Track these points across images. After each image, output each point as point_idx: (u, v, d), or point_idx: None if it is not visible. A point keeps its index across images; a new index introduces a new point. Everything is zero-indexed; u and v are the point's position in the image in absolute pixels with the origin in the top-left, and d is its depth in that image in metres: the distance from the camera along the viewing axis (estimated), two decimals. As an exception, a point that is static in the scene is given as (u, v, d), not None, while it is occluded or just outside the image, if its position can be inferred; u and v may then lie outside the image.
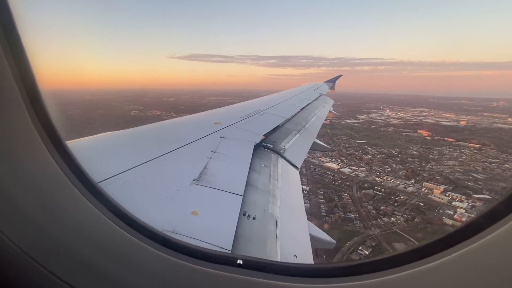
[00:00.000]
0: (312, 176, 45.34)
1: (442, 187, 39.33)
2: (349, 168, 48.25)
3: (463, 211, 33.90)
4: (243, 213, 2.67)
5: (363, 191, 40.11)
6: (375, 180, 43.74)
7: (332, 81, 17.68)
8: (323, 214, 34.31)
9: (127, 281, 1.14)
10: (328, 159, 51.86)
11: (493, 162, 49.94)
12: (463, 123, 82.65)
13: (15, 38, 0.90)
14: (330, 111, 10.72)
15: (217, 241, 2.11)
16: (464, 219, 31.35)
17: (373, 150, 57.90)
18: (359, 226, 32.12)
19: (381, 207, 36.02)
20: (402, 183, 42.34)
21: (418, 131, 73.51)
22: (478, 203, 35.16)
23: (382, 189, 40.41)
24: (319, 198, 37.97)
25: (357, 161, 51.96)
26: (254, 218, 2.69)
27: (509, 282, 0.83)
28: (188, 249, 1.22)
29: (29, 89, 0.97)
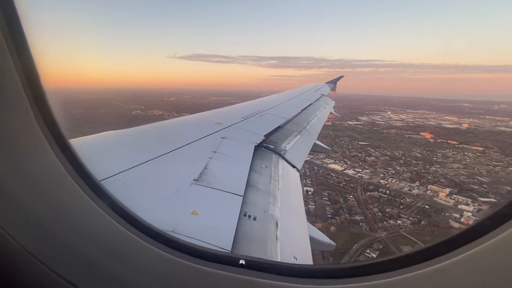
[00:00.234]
0: (316, 177, 45.10)
1: (447, 190, 39.11)
2: (353, 170, 48.04)
3: (470, 214, 33.68)
4: (243, 214, 2.66)
5: (368, 193, 39.88)
6: (379, 182, 43.54)
7: (333, 82, 17.61)
8: (328, 216, 34.07)
9: (130, 280, 1.13)
10: (332, 161, 51.71)
11: (497, 165, 49.82)
12: (465, 125, 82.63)
13: (20, 36, 0.91)
14: (331, 112, 10.65)
15: (217, 241, 2.11)
16: (471, 222, 31.12)
17: (376, 152, 57.74)
18: (365, 229, 31.88)
19: (387, 209, 35.82)
20: (407, 185, 42.16)
21: (421, 133, 73.43)
22: (484, 207, 34.93)
23: (387, 192, 40.23)
24: (324, 199, 37.72)
25: (360, 163, 51.79)
26: (254, 219, 2.67)
27: None
28: (191, 249, 1.21)
29: (33, 87, 0.97)
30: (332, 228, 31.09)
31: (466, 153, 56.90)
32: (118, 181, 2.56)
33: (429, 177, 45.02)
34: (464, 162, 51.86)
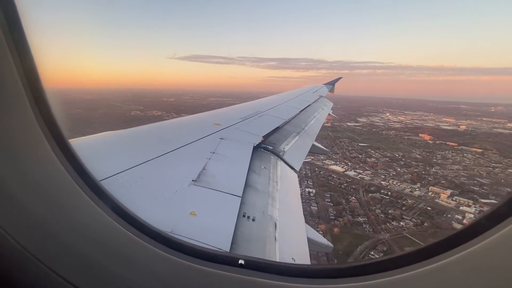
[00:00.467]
0: (318, 179, 45.08)
1: (448, 192, 39.31)
2: (354, 171, 48.12)
3: (472, 215, 33.82)
4: (242, 214, 2.66)
5: (370, 194, 39.94)
6: (381, 183, 43.64)
7: (331, 84, 17.66)
8: (331, 217, 34.04)
9: (130, 281, 1.13)
10: (333, 162, 51.79)
11: (497, 167, 50.24)
12: (463, 127, 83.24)
13: (20, 36, 0.91)
14: (329, 114, 10.72)
15: (215, 242, 2.10)
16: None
17: (377, 153, 57.94)
18: (368, 230, 31.89)
19: (389, 211, 35.87)
20: (408, 187, 42.30)
21: (420, 135, 73.81)
22: (485, 208, 35.10)
23: (389, 193, 40.33)
24: (326, 201, 37.71)
25: (361, 164, 51.91)
26: (253, 220, 2.67)
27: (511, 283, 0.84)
28: (190, 249, 1.21)
29: (33, 87, 0.97)
30: (336, 229, 31.05)
31: (465, 154, 57.29)
32: (116, 181, 2.55)
33: (429, 178, 45.22)
34: (464, 163, 52.21)
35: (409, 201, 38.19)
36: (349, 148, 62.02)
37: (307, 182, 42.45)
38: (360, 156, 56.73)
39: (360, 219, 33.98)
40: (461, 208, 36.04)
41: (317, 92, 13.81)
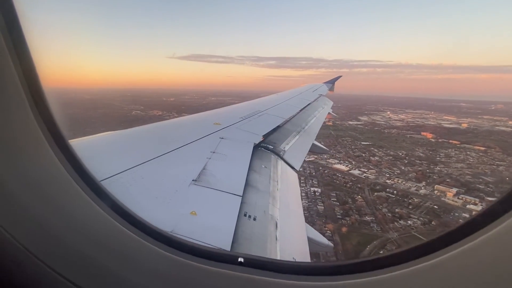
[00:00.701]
0: (322, 178, 44.85)
1: (454, 190, 39.17)
2: (359, 170, 47.95)
3: (479, 214, 33.70)
4: (243, 214, 2.67)
5: (375, 193, 39.74)
6: (386, 182, 43.47)
7: (331, 82, 17.58)
8: (338, 217, 33.83)
9: (130, 280, 1.15)
10: (336, 161, 51.60)
11: (501, 165, 50.13)
12: (464, 125, 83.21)
13: (19, 36, 0.92)
14: (329, 113, 10.65)
15: (216, 241, 2.11)
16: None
17: (380, 152, 57.76)
18: (376, 230, 31.70)
19: (396, 209, 35.70)
20: (414, 185, 42.14)
21: (422, 133, 73.67)
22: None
23: (395, 192, 40.15)
24: (332, 200, 37.49)
25: (365, 163, 51.72)
26: (254, 219, 2.68)
27: (507, 279, 0.86)
28: (190, 248, 1.22)
29: (32, 87, 0.98)
30: (344, 229, 30.85)
31: (468, 152, 57.18)
32: (117, 181, 2.56)
33: (434, 177, 45.09)
34: (468, 161, 52.10)
35: (415, 199, 37.99)
36: (352, 146, 61.80)
37: (312, 181, 42.21)
38: (363, 154, 56.51)
39: (367, 218, 33.77)
40: (467, 206, 35.91)
41: (317, 91, 13.77)
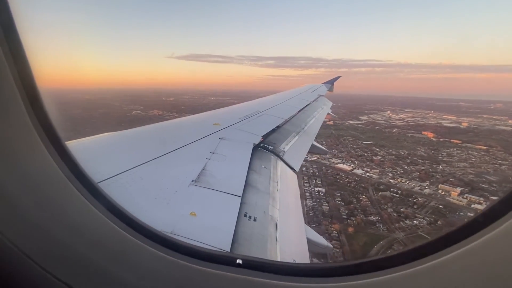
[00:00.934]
0: (326, 177, 44.64)
1: (458, 189, 39.09)
2: (362, 170, 47.81)
3: (484, 213, 33.64)
4: (243, 214, 2.65)
5: (380, 193, 39.58)
6: (389, 181, 43.32)
7: (330, 83, 17.58)
8: (344, 217, 33.62)
9: (126, 281, 1.14)
10: (339, 160, 51.48)
11: (503, 164, 50.16)
12: (465, 124, 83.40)
13: (15, 37, 0.91)
14: (328, 113, 10.62)
15: (215, 242, 2.10)
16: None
17: (382, 151, 57.69)
18: (382, 229, 31.51)
19: (401, 209, 35.54)
20: (418, 185, 42.02)
21: (423, 132, 73.75)
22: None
23: (399, 191, 39.98)
24: (336, 200, 37.28)
25: (368, 163, 51.59)
26: (255, 220, 2.66)
27: (506, 280, 0.85)
28: (188, 249, 1.22)
29: (28, 89, 0.97)
30: (350, 229, 30.66)
31: (470, 152, 57.25)
32: (116, 182, 2.55)
33: (437, 176, 45.01)
34: (470, 161, 52.12)
35: (420, 199, 37.86)
36: (354, 146, 61.72)
37: (315, 181, 42.01)
38: (365, 154, 56.40)
39: (373, 218, 33.58)
40: (472, 206, 35.86)
41: (316, 91, 13.73)
